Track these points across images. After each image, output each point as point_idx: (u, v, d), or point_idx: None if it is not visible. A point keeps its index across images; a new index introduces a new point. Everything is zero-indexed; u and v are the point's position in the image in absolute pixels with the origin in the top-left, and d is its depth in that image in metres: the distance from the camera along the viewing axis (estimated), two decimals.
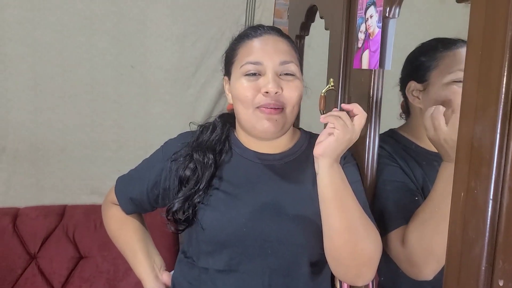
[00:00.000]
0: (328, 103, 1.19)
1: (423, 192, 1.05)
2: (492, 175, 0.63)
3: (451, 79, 1.05)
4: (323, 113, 1.20)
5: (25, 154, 1.97)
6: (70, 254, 1.88)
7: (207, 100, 2.12)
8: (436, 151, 1.11)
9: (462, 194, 0.67)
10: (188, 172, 0.98)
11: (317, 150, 0.85)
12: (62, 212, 1.96)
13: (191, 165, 0.98)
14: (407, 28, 2.12)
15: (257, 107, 0.93)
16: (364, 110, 0.90)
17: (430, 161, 1.10)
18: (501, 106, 0.61)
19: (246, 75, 0.94)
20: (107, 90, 2.01)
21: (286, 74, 0.94)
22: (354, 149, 1.06)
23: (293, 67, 0.95)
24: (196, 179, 0.97)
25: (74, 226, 1.92)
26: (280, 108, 0.93)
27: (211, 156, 0.98)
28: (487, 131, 0.63)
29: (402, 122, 1.22)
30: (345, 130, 0.84)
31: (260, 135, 0.97)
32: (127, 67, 2.01)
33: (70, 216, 1.94)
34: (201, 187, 0.96)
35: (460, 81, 1.02)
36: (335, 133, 0.84)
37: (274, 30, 0.99)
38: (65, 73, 1.95)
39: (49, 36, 1.90)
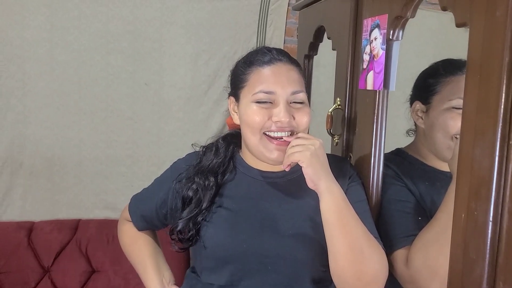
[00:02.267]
0: (335, 121, 1.21)
1: (431, 211, 1.04)
2: (491, 197, 0.63)
3: (450, 105, 1.04)
4: (330, 132, 1.22)
5: (41, 169, 2.01)
6: (82, 268, 1.90)
7: (219, 117, 2.14)
8: (443, 169, 1.11)
9: (463, 215, 0.68)
10: (190, 193, 1.00)
11: (309, 184, 0.88)
12: (75, 226, 1.99)
13: (194, 186, 1.00)
14: (417, 47, 2.12)
15: (264, 133, 0.95)
16: (370, 129, 0.90)
17: (438, 180, 1.10)
18: (500, 129, 0.62)
19: (258, 102, 0.95)
20: (122, 107, 2.05)
21: (296, 102, 0.96)
22: (360, 168, 1.08)
23: (302, 96, 0.97)
24: (198, 201, 0.99)
25: (87, 240, 1.94)
26: (287, 142, 0.94)
27: (212, 179, 1.00)
28: (487, 153, 0.64)
29: (409, 140, 1.22)
30: (304, 154, 0.87)
31: (269, 163, 0.99)
32: (141, 85, 2.05)
33: (83, 231, 1.97)
34: (203, 207, 0.98)
35: (458, 108, 1.02)
36: (302, 164, 0.87)
37: (284, 56, 1.00)
38: (81, 91, 2.00)
39: (66, 55, 1.96)
